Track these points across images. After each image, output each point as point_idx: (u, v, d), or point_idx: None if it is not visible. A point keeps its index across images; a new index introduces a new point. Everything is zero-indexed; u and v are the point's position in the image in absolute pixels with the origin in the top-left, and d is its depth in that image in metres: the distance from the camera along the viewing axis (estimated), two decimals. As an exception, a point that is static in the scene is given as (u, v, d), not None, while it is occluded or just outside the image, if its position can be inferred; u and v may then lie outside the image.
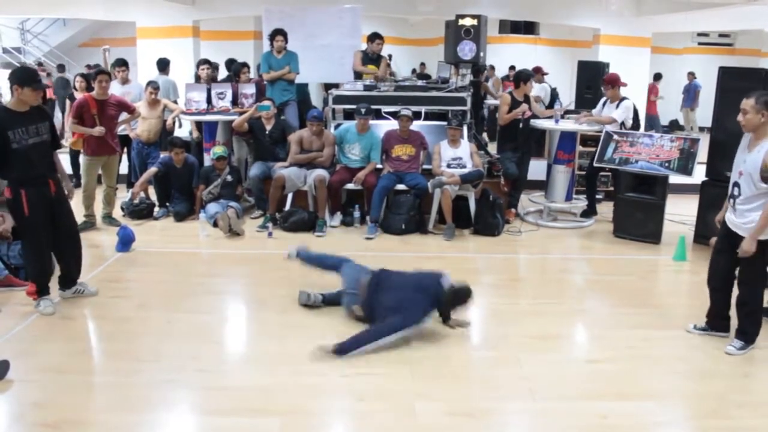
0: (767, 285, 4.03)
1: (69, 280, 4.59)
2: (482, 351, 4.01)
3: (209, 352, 3.85)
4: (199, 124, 7.58)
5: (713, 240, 4.28)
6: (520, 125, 6.75)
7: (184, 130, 8.29)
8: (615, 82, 6.71)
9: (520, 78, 6.88)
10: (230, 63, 8.80)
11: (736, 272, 3.98)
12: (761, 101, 3.63)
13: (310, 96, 9.24)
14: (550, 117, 7.09)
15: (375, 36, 7.77)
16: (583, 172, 7.74)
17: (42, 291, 4.37)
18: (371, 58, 7.80)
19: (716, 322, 4.15)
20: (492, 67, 13.80)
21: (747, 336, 3.93)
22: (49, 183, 4.27)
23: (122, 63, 7.68)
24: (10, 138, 4.01)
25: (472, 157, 6.52)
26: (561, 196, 7.02)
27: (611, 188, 7.53)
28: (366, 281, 4.13)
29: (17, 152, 4.05)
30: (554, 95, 10.75)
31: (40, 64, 13.20)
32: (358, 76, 7.75)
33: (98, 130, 6.12)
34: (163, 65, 8.65)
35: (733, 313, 4.08)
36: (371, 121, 6.69)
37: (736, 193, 3.81)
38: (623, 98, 6.75)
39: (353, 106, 6.78)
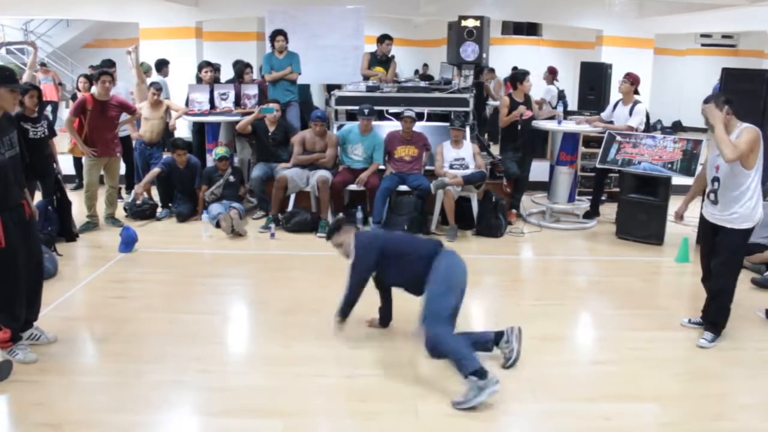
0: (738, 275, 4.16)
1: (24, 321, 3.79)
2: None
3: (212, 353, 3.85)
4: (201, 125, 7.58)
5: None
6: (519, 127, 6.75)
7: (183, 131, 8.30)
8: (636, 81, 6.67)
9: (516, 79, 6.91)
10: (236, 64, 8.81)
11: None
12: (718, 101, 3.83)
13: (312, 97, 9.24)
14: (552, 118, 7.08)
15: (385, 37, 7.77)
16: (586, 174, 7.74)
17: (16, 337, 3.68)
18: (380, 60, 7.79)
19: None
20: (492, 70, 13.77)
21: (717, 327, 4.07)
22: (23, 205, 3.65)
23: (111, 64, 7.67)
24: None
25: (474, 158, 6.52)
26: (563, 198, 7.02)
27: (615, 189, 7.51)
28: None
29: None
30: (561, 97, 10.75)
31: (43, 64, 13.20)
32: (365, 78, 7.75)
33: (89, 151, 6.20)
34: (159, 66, 8.68)
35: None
36: (374, 122, 6.69)
37: (716, 186, 3.98)
38: (636, 101, 6.71)
39: (356, 107, 6.78)
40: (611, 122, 6.76)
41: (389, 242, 3.83)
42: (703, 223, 4.17)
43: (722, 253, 3.98)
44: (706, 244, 4.21)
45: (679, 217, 4.46)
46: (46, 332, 3.92)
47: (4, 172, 3.47)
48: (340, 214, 6.58)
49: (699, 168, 6.05)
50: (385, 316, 4.15)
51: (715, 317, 4.08)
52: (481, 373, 3.22)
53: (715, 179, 3.99)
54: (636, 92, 6.75)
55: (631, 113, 6.65)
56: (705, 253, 4.20)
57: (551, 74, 10.64)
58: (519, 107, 6.68)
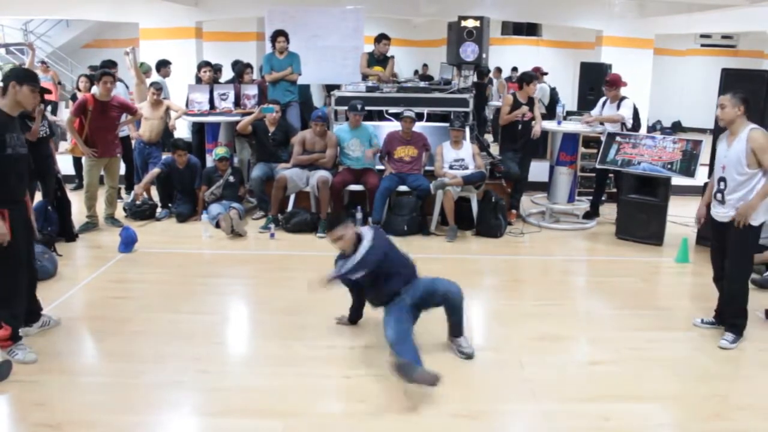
0: (750, 276, 4.25)
1: (32, 313, 3.93)
2: (484, 352, 4.00)
3: (212, 353, 3.85)
4: (201, 125, 7.59)
5: None
6: (519, 127, 6.75)
7: (182, 131, 8.29)
8: (617, 82, 6.73)
9: (523, 80, 6.92)
10: (235, 64, 8.84)
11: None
12: (737, 96, 3.92)
13: (312, 97, 9.24)
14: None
15: (382, 37, 7.78)
16: (586, 174, 7.74)
17: (16, 337, 3.68)
18: (378, 59, 7.79)
19: (724, 316, 4.23)
20: (498, 69, 13.81)
21: (738, 329, 4.07)
22: (26, 203, 3.76)
23: (113, 64, 7.66)
24: (6, 141, 3.46)
25: (474, 158, 6.52)
26: (563, 198, 7.02)
27: (614, 190, 7.52)
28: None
29: (9, 160, 3.50)
30: (554, 95, 10.75)
31: (43, 62, 13.21)
32: (364, 77, 7.76)
33: (89, 151, 6.20)
34: (159, 66, 8.68)
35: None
36: (374, 123, 6.69)
37: (722, 186, 4.02)
38: (623, 98, 6.76)
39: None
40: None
41: (391, 251, 3.85)
42: (712, 222, 4.17)
43: (732, 254, 4.01)
44: (715, 243, 4.22)
45: (699, 221, 4.40)
46: (52, 316, 4.12)
47: (15, 166, 3.57)
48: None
49: (700, 168, 6.09)
50: (356, 314, 4.20)
51: (734, 319, 4.08)
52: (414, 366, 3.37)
53: (722, 179, 4.02)
54: (623, 84, 6.82)
55: (618, 108, 6.74)
56: (715, 254, 4.24)
57: (536, 72, 10.63)
58: (521, 107, 6.69)
